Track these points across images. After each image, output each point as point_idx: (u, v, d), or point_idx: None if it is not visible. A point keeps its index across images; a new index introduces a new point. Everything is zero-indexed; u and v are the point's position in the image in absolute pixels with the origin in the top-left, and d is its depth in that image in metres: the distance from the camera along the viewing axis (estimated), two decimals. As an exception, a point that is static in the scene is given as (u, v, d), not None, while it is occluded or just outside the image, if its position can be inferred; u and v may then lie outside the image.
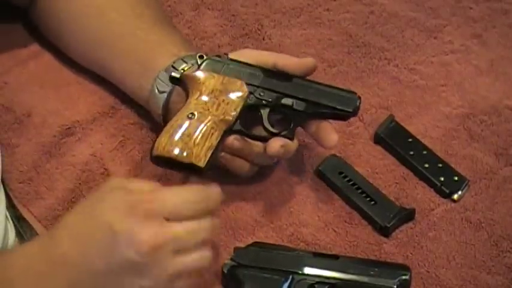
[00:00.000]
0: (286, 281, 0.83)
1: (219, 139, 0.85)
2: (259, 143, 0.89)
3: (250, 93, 0.88)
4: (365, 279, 0.83)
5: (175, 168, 0.86)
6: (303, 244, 0.90)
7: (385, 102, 1.03)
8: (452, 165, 0.97)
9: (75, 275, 0.73)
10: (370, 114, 1.02)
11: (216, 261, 0.84)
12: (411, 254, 0.89)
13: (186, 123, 0.85)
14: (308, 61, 0.90)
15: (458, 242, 0.91)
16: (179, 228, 0.73)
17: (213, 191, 0.77)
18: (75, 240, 0.73)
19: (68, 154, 0.96)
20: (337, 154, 0.97)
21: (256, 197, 0.93)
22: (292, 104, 0.89)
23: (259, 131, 0.89)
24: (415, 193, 0.95)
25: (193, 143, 0.84)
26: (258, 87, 0.89)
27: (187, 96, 0.88)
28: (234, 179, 0.92)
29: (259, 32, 1.11)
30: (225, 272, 0.84)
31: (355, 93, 0.90)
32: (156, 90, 0.92)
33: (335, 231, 0.91)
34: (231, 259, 0.84)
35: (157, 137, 0.85)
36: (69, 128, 0.98)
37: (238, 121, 0.87)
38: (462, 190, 0.95)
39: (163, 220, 0.73)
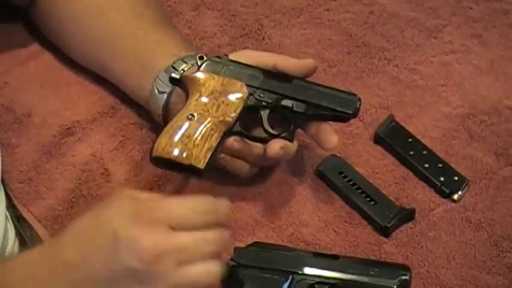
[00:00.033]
0: (286, 281, 0.82)
1: (218, 140, 0.85)
2: (259, 145, 0.88)
3: (250, 94, 0.88)
4: (365, 279, 0.83)
5: (175, 169, 0.86)
6: (303, 244, 0.90)
7: (385, 102, 1.03)
8: (452, 165, 0.97)
9: (76, 282, 0.72)
10: (370, 114, 1.02)
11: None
12: (411, 254, 0.89)
13: (186, 125, 0.85)
14: (308, 62, 0.90)
15: (458, 242, 0.91)
16: (184, 238, 0.71)
17: (222, 203, 0.75)
18: (78, 247, 0.72)
19: (68, 154, 0.96)
20: (337, 154, 0.97)
21: (256, 197, 0.93)
22: (292, 106, 0.89)
23: (259, 132, 0.89)
24: (415, 193, 0.95)
25: (192, 145, 0.84)
26: (258, 88, 0.89)
27: (187, 97, 0.88)
28: (234, 179, 0.92)
29: (259, 32, 1.11)
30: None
31: (355, 95, 0.90)
32: (156, 91, 0.92)
33: (335, 231, 0.91)
34: (231, 259, 0.84)
35: (157, 137, 0.85)
36: (69, 128, 0.98)
37: (238, 122, 0.87)
38: (462, 190, 0.95)
39: (168, 229, 0.71)
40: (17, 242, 0.88)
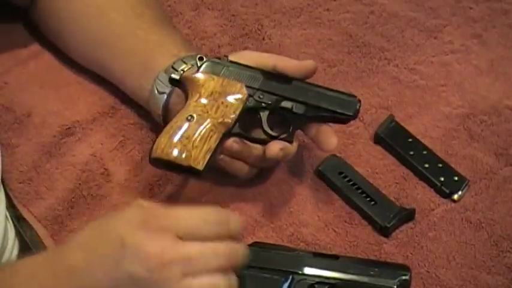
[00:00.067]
0: (286, 281, 0.82)
1: (217, 142, 0.85)
2: (258, 146, 0.88)
3: (250, 95, 0.88)
4: (365, 279, 0.83)
5: (174, 170, 0.86)
6: (303, 244, 0.90)
7: (385, 102, 1.03)
8: (453, 165, 0.97)
9: None
10: (370, 114, 1.02)
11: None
12: (411, 254, 0.89)
13: (185, 126, 0.85)
14: (308, 63, 0.89)
15: (458, 242, 0.91)
16: (192, 249, 0.70)
17: (234, 216, 0.74)
18: (83, 253, 0.72)
19: (68, 154, 0.96)
20: (337, 154, 0.97)
21: (256, 197, 0.93)
22: (292, 107, 0.88)
23: (258, 133, 0.89)
24: (415, 193, 0.95)
25: (191, 146, 0.84)
26: (257, 89, 0.88)
27: (186, 98, 0.88)
28: (233, 179, 0.92)
29: (259, 32, 1.11)
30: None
31: (355, 97, 0.90)
32: (156, 91, 0.92)
33: (335, 231, 0.91)
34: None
35: (157, 138, 0.85)
36: (69, 128, 0.98)
37: (238, 124, 0.87)
38: (462, 190, 0.95)
39: (176, 238, 0.70)
40: (16, 242, 0.88)
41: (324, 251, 0.88)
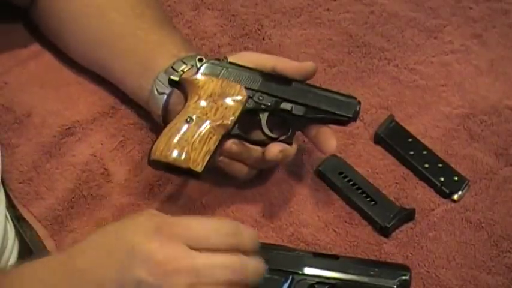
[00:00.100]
0: (286, 281, 0.82)
1: (217, 144, 0.85)
2: (257, 147, 0.88)
3: (249, 97, 0.88)
4: (365, 279, 0.83)
5: (173, 172, 0.86)
6: (303, 244, 0.90)
7: (385, 102, 1.03)
8: (453, 165, 0.97)
9: None
10: (370, 114, 1.02)
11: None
12: (411, 254, 0.89)
13: (184, 128, 0.85)
14: (308, 65, 0.89)
15: (458, 242, 0.91)
16: (201, 260, 0.70)
17: (248, 230, 0.74)
18: (92, 256, 0.72)
19: (68, 154, 0.96)
20: (337, 154, 0.97)
21: (256, 197, 0.93)
22: (291, 109, 0.88)
23: (257, 135, 0.89)
24: (415, 193, 0.95)
25: (190, 148, 0.84)
26: (257, 91, 0.88)
27: (185, 100, 0.88)
28: (233, 179, 0.92)
29: (259, 32, 1.11)
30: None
31: (355, 98, 0.89)
32: (156, 92, 0.92)
33: (335, 231, 0.91)
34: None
35: (156, 140, 0.85)
36: (69, 128, 0.98)
37: (237, 125, 0.87)
38: (462, 190, 0.95)
39: (186, 247, 0.70)
40: (16, 242, 0.88)
41: (324, 251, 0.88)
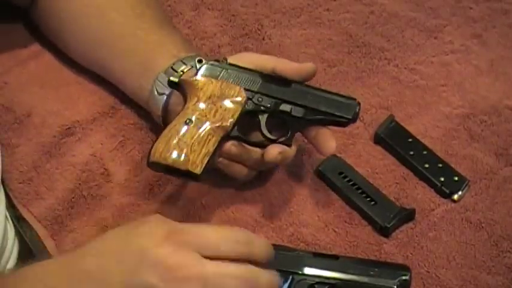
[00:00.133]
0: (286, 281, 0.82)
1: (216, 145, 0.85)
2: (257, 149, 0.88)
3: (249, 98, 0.88)
4: (365, 279, 0.83)
5: (172, 174, 0.86)
6: (303, 244, 0.90)
7: (385, 102, 1.03)
8: (453, 166, 0.97)
9: None
10: (370, 114, 1.02)
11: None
12: (411, 254, 0.89)
13: (183, 130, 0.85)
14: (307, 66, 0.89)
15: (458, 242, 0.91)
16: (211, 269, 0.70)
17: (260, 239, 0.74)
18: (100, 259, 0.72)
19: (68, 154, 0.96)
20: (337, 154, 0.97)
21: (256, 197, 0.93)
22: (291, 110, 0.88)
23: (257, 136, 0.89)
24: (415, 193, 0.95)
25: (189, 150, 0.84)
26: (256, 92, 0.88)
27: (185, 101, 0.88)
28: (233, 180, 0.92)
29: (259, 32, 1.11)
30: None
31: (355, 99, 0.89)
32: (156, 92, 0.92)
33: (335, 231, 0.91)
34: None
35: (155, 142, 0.85)
36: (69, 128, 0.98)
37: (236, 127, 0.87)
38: (462, 190, 0.95)
39: (197, 255, 0.70)
40: (16, 242, 0.88)
41: (324, 251, 0.88)
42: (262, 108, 0.88)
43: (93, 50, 0.99)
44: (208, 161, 0.84)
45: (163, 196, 0.93)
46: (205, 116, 0.86)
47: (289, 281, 0.82)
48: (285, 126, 0.89)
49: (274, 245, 0.86)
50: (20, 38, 1.06)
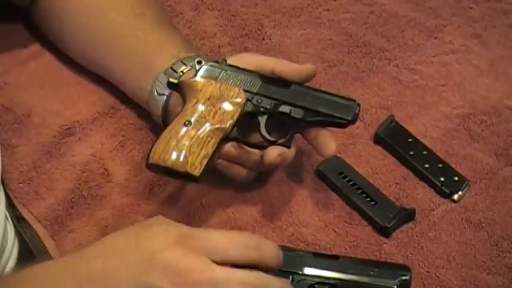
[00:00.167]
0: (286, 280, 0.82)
1: (215, 147, 0.85)
2: (256, 150, 0.88)
3: (248, 100, 0.88)
4: (365, 279, 0.83)
5: (171, 175, 0.86)
6: (303, 244, 0.90)
7: (385, 102, 1.03)
8: (453, 166, 0.97)
9: None
10: (370, 114, 1.02)
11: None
12: (411, 254, 0.89)
13: (182, 131, 0.85)
14: (307, 67, 0.89)
15: (458, 242, 0.91)
16: (220, 274, 0.70)
17: (270, 244, 0.75)
18: (107, 260, 0.72)
19: (68, 154, 0.96)
20: (337, 154, 0.97)
21: (256, 198, 0.93)
22: (290, 112, 0.88)
23: (256, 137, 0.89)
24: (415, 193, 0.95)
25: (188, 152, 0.84)
26: (255, 94, 0.88)
27: (184, 103, 0.87)
28: (233, 180, 0.92)
29: (259, 32, 1.11)
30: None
31: (355, 101, 0.89)
32: (155, 92, 0.92)
33: (335, 231, 0.91)
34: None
35: (154, 144, 0.85)
36: (69, 128, 0.98)
37: (235, 128, 0.87)
38: (462, 190, 0.95)
39: (207, 260, 0.70)
40: (16, 242, 0.88)
41: (324, 251, 0.88)
42: (261, 109, 0.88)
43: (93, 50, 0.99)
44: (207, 162, 0.84)
45: (163, 196, 0.93)
46: (205, 117, 0.86)
47: (289, 281, 0.82)
48: (284, 128, 0.88)
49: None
50: (20, 38, 1.06)
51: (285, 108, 0.88)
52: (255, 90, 0.88)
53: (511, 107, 1.04)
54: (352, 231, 0.91)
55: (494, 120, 1.02)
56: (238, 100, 0.87)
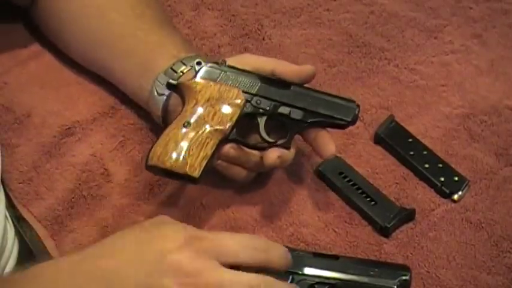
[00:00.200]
0: (286, 281, 0.82)
1: (214, 149, 0.85)
2: (255, 152, 0.88)
3: (247, 101, 0.88)
4: (365, 279, 0.83)
5: (171, 177, 0.86)
6: (303, 244, 0.90)
7: (385, 102, 1.03)
8: (453, 166, 0.97)
9: None
10: (370, 114, 1.02)
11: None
12: (411, 254, 0.89)
13: (182, 133, 0.85)
14: (307, 68, 0.89)
15: (458, 242, 0.91)
16: (227, 277, 0.71)
17: (279, 249, 0.75)
18: (118, 257, 0.72)
19: (68, 154, 0.96)
20: (337, 154, 0.97)
21: (256, 197, 0.93)
22: (290, 113, 0.88)
23: (255, 138, 0.89)
24: (415, 193, 0.95)
25: (188, 153, 0.84)
26: (255, 95, 0.88)
27: (183, 104, 0.87)
28: (233, 180, 0.92)
29: (259, 32, 1.11)
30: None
31: (354, 102, 0.89)
32: (155, 92, 0.92)
33: (335, 231, 0.91)
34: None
35: (153, 145, 0.85)
36: (69, 128, 0.98)
37: (235, 130, 0.87)
38: (462, 190, 0.95)
39: (216, 263, 0.71)
40: (16, 242, 0.88)
41: (324, 251, 0.88)
42: (261, 110, 0.88)
43: (93, 50, 0.99)
44: (206, 164, 0.84)
45: (163, 196, 0.93)
46: (204, 119, 0.86)
47: (289, 281, 0.82)
48: (283, 129, 0.88)
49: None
50: (20, 38, 1.06)
51: (284, 110, 0.88)
52: (254, 92, 0.88)
53: (511, 107, 1.04)
54: (352, 231, 0.91)
55: (494, 120, 1.02)
56: (238, 101, 0.87)
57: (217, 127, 0.85)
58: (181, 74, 0.90)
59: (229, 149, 0.87)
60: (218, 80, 0.88)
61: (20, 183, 0.93)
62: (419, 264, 0.89)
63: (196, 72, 0.88)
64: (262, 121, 0.88)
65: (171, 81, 0.89)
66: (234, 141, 0.87)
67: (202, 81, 0.88)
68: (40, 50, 1.05)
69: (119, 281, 0.71)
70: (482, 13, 1.14)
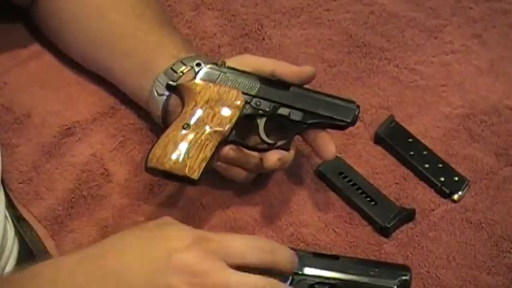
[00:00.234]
0: (286, 281, 0.82)
1: (213, 150, 0.85)
2: (255, 153, 0.88)
3: (247, 102, 0.87)
4: (365, 279, 0.83)
5: (170, 178, 0.86)
6: (303, 244, 0.90)
7: (385, 103, 1.03)
8: (453, 166, 0.97)
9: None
10: (370, 114, 1.02)
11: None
12: (411, 254, 0.89)
13: (181, 134, 0.85)
14: (307, 69, 0.89)
15: (458, 242, 0.91)
16: (234, 278, 0.71)
17: (285, 251, 0.76)
18: (122, 257, 0.72)
19: (68, 154, 0.96)
20: (337, 154, 0.96)
21: (256, 198, 0.93)
22: (289, 114, 0.88)
23: (255, 140, 0.89)
24: (416, 193, 0.95)
25: (187, 155, 0.84)
26: (254, 96, 0.88)
27: (183, 105, 0.87)
28: (233, 181, 0.92)
29: (259, 32, 1.11)
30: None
31: (354, 102, 0.89)
32: (155, 93, 0.92)
33: (335, 231, 0.91)
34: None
35: (153, 146, 0.85)
36: (69, 128, 0.98)
37: (234, 131, 0.86)
38: (462, 190, 0.95)
39: (222, 264, 0.71)
40: (16, 242, 0.88)
41: (324, 251, 0.88)
42: (260, 112, 0.88)
43: (93, 50, 0.99)
44: (206, 166, 0.84)
45: (163, 196, 0.93)
46: (203, 120, 0.85)
47: (289, 281, 0.82)
48: (283, 130, 0.88)
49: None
50: (20, 38, 1.06)
51: (284, 111, 0.88)
52: (253, 93, 0.88)
53: (511, 107, 1.04)
54: (352, 231, 0.91)
55: (494, 120, 1.02)
56: (237, 103, 0.87)
57: (217, 129, 0.85)
58: (181, 74, 0.90)
59: (228, 150, 0.87)
60: (217, 81, 0.88)
61: (20, 183, 0.93)
62: (419, 264, 0.89)
63: (196, 73, 0.88)
64: (261, 122, 0.88)
65: (170, 82, 0.89)
66: (233, 142, 0.87)
67: (201, 82, 0.87)
68: (40, 50, 1.05)
69: (124, 280, 0.71)
70: (482, 13, 1.14)
